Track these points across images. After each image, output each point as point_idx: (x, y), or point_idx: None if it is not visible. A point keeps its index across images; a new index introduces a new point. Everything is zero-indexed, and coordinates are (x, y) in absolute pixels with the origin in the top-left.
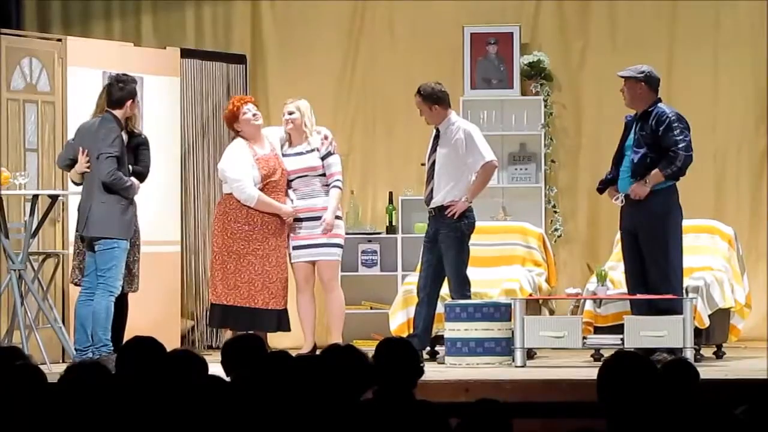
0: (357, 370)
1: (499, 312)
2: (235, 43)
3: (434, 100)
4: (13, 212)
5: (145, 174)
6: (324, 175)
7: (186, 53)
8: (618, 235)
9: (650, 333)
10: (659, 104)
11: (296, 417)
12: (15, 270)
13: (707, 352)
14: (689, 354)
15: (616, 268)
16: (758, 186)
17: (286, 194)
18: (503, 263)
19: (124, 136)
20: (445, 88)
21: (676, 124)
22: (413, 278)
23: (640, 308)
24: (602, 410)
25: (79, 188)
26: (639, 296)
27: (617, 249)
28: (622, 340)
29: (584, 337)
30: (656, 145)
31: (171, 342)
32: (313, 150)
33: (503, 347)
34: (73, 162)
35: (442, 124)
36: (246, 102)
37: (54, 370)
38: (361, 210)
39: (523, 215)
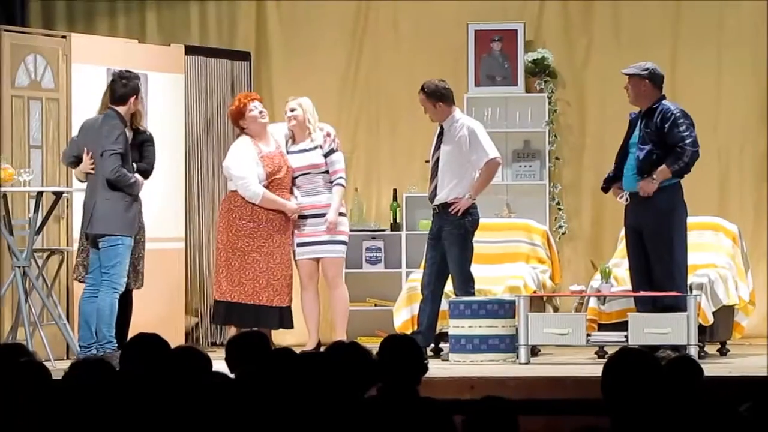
0: (361, 367)
1: (503, 309)
2: (239, 41)
3: (438, 97)
4: (18, 209)
5: (149, 171)
6: (327, 172)
7: (190, 50)
8: (622, 232)
9: (654, 330)
10: (663, 101)
11: (300, 414)
12: (19, 267)
13: (711, 349)
14: (693, 351)
15: (620, 265)
16: (761, 185)
17: (291, 192)
18: (507, 260)
19: (129, 133)
20: (448, 85)
21: (681, 120)
22: (417, 275)
23: (644, 305)
24: (606, 407)
25: (84, 185)
26: (643, 293)
27: (621, 246)
28: (626, 337)
29: (588, 335)
30: (661, 141)
31: (175, 339)
32: (316, 147)
33: (507, 344)
34: (78, 159)
35: (446, 121)
36: (252, 99)
37: (58, 367)
38: (366, 207)
39: (527, 212)
